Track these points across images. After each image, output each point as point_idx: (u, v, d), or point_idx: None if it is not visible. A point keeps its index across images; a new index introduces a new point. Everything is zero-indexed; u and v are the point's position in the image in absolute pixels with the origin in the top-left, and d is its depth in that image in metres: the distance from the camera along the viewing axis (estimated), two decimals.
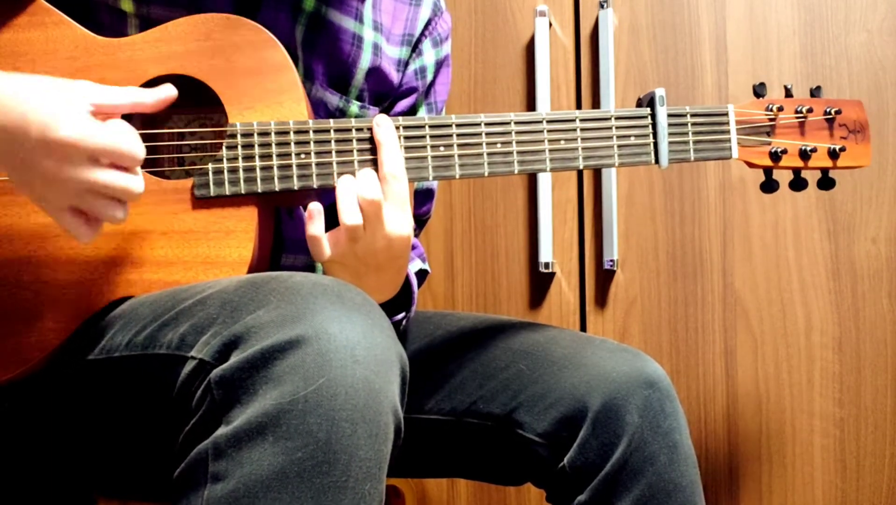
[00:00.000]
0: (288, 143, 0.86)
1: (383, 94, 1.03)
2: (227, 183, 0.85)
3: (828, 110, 0.99)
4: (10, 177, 0.76)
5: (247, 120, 0.85)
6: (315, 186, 0.86)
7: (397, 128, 0.88)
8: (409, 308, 1.00)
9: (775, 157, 0.98)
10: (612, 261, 1.43)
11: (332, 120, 0.87)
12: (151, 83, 0.84)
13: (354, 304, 0.69)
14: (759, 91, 0.99)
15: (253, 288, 0.71)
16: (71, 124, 0.73)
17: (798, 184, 1.01)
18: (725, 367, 1.44)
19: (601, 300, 1.46)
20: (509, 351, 0.97)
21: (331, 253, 0.85)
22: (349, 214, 0.84)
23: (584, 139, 0.92)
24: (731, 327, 1.44)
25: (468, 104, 1.49)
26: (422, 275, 1.09)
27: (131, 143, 0.76)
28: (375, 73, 1.00)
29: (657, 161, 0.94)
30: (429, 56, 1.07)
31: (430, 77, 1.08)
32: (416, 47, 1.06)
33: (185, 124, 0.93)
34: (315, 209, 0.85)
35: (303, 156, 0.86)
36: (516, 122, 0.91)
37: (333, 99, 0.97)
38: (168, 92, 0.82)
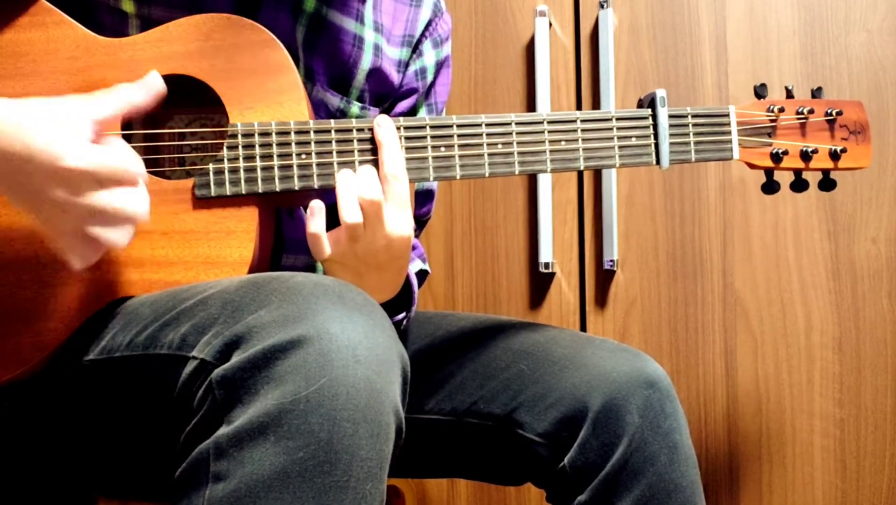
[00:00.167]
0: (289, 144, 0.86)
1: (384, 94, 1.03)
2: (227, 183, 0.85)
3: (829, 111, 0.99)
4: (15, 204, 0.75)
5: (247, 120, 0.85)
6: (316, 187, 0.86)
7: (398, 128, 0.88)
8: (409, 308, 1.00)
9: (776, 158, 0.98)
10: (612, 261, 1.43)
11: (332, 120, 0.87)
12: None
13: (356, 304, 0.69)
14: (760, 92, 0.99)
15: (254, 288, 0.71)
16: (77, 153, 0.73)
17: (799, 185, 1.01)
18: (725, 367, 1.44)
19: (601, 300, 1.46)
20: (510, 351, 0.97)
21: (331, 252, 0.85)
22: (349, 212, 0.84)
23: (584, 140, 0.92)
24: (731, 327, 1.44)
25: (468, 105, 1.49)
26: (422, 275, 1.09)
27: (136, 163, 0.76)
28: (376, 73, 1.00)
29: (658, 162, 0.94)
30: (429, 57, 1.07)
31: (430, 78, 1.08)
32: (416, 48, 1.06)
33: (186, 124, 0.93)
34: (316, 206, 0.85)
35: (304, 156, 0.86)
36: (517, 123, 0.91)
37: (334, 100, 0.97)
38: (154, 79, 0.82)
